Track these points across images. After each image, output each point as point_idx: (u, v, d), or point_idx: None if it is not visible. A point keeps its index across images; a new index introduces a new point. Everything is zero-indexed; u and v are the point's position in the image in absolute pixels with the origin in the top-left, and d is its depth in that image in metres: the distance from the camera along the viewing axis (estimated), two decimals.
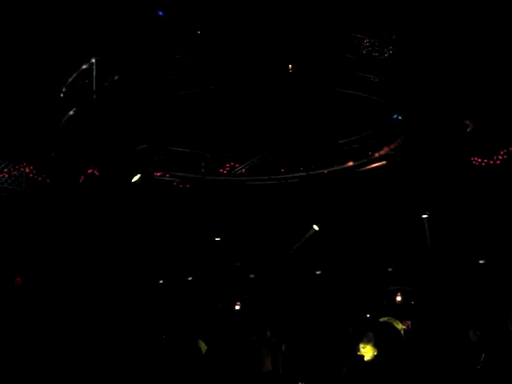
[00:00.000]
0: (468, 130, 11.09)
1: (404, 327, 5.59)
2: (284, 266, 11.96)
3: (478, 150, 11.11)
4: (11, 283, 11.24)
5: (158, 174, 11.58)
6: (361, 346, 5.22)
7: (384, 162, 10.84)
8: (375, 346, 5.16)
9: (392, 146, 10.97)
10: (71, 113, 10.42)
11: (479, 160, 11.08)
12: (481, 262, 11.54)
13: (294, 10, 9.13)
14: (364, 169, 11.31)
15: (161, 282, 12.08)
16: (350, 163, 11.16)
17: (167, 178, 11.51)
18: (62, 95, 10.81)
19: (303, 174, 11.24)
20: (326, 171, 11.32)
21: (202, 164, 11.62)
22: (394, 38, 10.20)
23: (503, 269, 11.15)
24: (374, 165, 10.99)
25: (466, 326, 6.15)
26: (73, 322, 10.32)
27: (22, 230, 11.49)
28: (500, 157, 11.05)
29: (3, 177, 11.15)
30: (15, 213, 11.49)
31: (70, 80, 10.79)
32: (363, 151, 11.29)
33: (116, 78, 10.50)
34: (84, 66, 10.62)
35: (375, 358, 4.99)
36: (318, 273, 12.24)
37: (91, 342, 9.49)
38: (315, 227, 11.69)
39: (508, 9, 9.30)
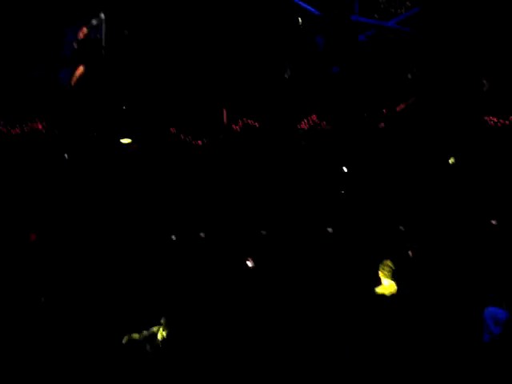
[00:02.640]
0: (484, 88, 10.90)
1: None
2: None
3: (494, 109, 10.90)
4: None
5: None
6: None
7: None
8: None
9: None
10: (81, 69, 10.41)
11: (495, 120, 10.88)
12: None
13: None
14: None
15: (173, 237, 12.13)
16: None
17: None
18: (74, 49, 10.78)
19: None
20: None
21: None
22: None
23: None
24: None
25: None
26: None
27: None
28: None
29: None
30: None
31: (81, 35, 10.74)
32: None
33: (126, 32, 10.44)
34: (94, 22, 10.56)
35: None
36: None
37: None
38: None
39: None
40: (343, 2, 11.37)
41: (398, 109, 10.98)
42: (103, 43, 10.13)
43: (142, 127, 11.37)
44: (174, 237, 11.62)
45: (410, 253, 9.39)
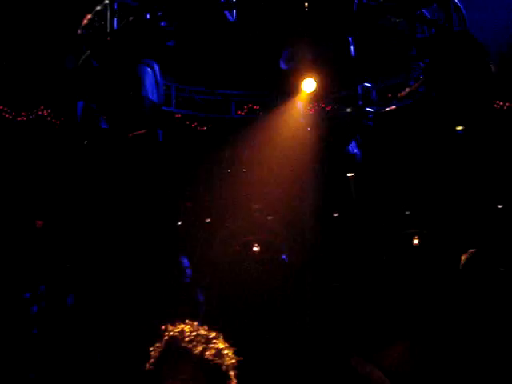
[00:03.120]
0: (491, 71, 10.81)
1: None
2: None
3: (501, 92, 10.87)
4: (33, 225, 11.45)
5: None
6: None
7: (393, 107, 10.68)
8: None
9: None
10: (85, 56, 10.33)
11: (501, 103, 10.85)
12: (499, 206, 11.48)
13: None
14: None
15: (179, 223, 12.20)
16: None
17: None
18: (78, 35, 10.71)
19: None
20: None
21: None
22: None
23: None
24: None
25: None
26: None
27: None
28: None
29: None
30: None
31: (84, 22, 10.66)
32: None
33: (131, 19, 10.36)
34: (98, 8, 10.47)
35: None
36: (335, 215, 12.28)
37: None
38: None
39: None
40: None
41: None
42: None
43: None
44: None
45: None
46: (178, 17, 10.04)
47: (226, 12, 9.33)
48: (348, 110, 10.81)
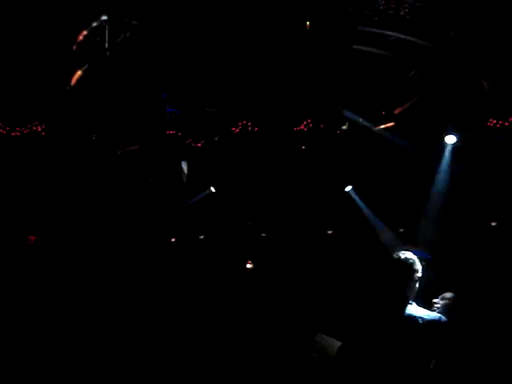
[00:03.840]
0: (485, 89, 10.92)
1: None
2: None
3: (494, 111, 10.95)
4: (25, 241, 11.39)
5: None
6: None
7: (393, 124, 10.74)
8: None
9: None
10: (80, 72, 10.36)
11: (494, 121, 10.93)
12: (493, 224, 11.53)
13: None
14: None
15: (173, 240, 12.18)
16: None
17: None
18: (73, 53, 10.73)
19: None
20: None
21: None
22: None
23: None
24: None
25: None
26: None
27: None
28: None
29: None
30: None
31: (80, 38, 10.68)
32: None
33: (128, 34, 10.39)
34: (94, 24, 10.50)
35: None
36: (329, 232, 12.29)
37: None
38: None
39: None
40: None
41: None
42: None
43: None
44: None
45: None
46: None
47: None
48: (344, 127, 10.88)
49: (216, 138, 11.90)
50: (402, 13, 10.19)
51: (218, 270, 11.40)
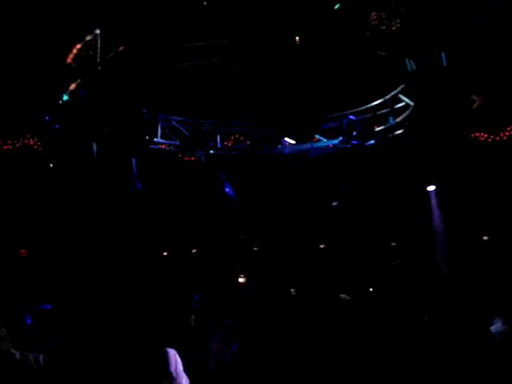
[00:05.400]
0: (474, 105, 11.01)
1: None
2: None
3: (484, 125, 11.03)
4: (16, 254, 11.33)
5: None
6: None
7: None
8: None
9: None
10: (73, 86, 10.36)
11: (485, 135, 11.02)
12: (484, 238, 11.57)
13: None
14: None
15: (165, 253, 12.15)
16: None
17: None
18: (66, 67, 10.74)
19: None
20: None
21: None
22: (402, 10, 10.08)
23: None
24: None
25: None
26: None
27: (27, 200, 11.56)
28: (507, 133, 10.98)
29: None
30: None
31: (74, 51, 10.70)
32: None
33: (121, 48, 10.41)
34: (88, 38, 10.53)
35: None
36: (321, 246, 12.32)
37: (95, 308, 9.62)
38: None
39: None
40: None
41: None
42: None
43: None
44: None
45: None
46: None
47: None
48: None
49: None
50: (393, 28, 10.30)
51: (210, 283, 11.35)
